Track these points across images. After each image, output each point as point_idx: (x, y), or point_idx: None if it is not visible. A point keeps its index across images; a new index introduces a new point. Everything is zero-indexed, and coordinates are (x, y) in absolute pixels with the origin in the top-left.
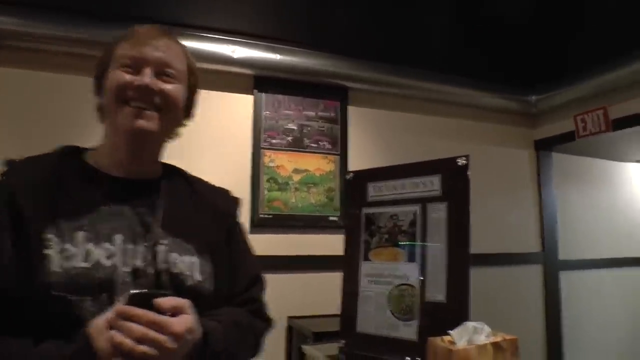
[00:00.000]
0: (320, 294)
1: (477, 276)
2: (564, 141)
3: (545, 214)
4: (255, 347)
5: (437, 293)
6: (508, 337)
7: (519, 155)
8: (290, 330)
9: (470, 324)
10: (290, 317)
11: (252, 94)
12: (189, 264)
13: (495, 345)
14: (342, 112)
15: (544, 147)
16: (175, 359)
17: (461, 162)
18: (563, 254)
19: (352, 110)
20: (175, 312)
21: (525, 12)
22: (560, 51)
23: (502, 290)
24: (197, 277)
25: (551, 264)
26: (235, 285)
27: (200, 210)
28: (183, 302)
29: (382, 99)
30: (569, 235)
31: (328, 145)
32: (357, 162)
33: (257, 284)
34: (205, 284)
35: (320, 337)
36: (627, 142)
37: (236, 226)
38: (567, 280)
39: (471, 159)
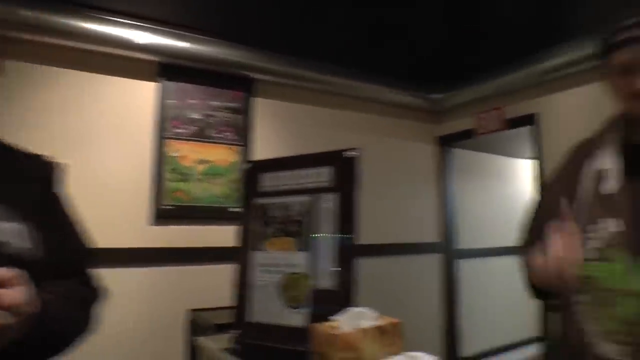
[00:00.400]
0: (224, 285)
1: (381, 265)
2: (464, 138)
3: (445, 206)
4: (88, 320)
5: (326, 281)
6: (392, 320)
7: (423, 150)
8: (192, 323)
9: (355, 309)
10: (193, 310)
11: (156, 81)
12: (11, 231)
13: (380, 328)
14: (248, 103)
15: (446, 143)
16: (10, 334)
17: (350, 154)
18: (460, 244)
19: (258, 102)
20: (5, 284)
21: (432, 14)
22: (464, 53)
23: (404, 277)
24: (21, 244)
25: (449, 252)
26: (61, 255)
27: (17, 176)
28: (13, 272)
29: (289, 92)
30: (466, 226)
31: (233, 136)
32: (262, 153)
33: (83, 254)
34: (31, 252)
35: (221, 329)
36: (520, 140)
37: (55, 193)
38: (464, 267)
39: (377, 153)
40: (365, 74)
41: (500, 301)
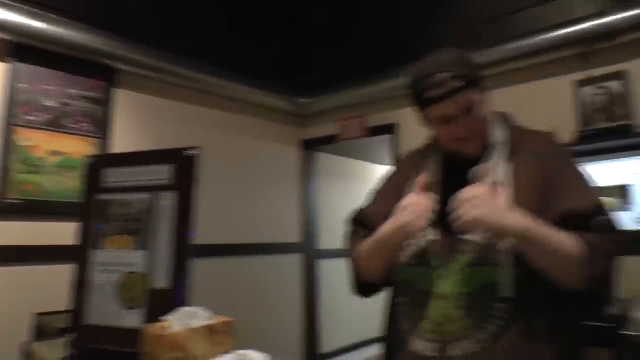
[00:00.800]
0: None
1: (242, 264)
2: (328, 142)
3: (307, 207)
4: None
5: (162, 280)
6: (224, 319)
7: (288, 152)
8: (37, 328)
9: (187, 309)
10: (39, 314)
11: (5, 61)
12: None
13: (210, 327)
14: (108, 93)
15: (310, 146)
16: None
17: (190, 152)
18: (321, 244)
19: (120, 93)
20: None
21: (303, 22)
22: (331, 61)
23: (265, 277)
24: None
25: (310, 252)
26: None
27: None
28: None
29: (154, 85)
30: (327, 227)
31: (90, 127)
32: (121, 147)
33: None
34: None
35: (64, 333)
36: (380, 147)
37: None
38: (324, 267)
39: (242, 153)
40: (234, 74)
41: (357, 299)
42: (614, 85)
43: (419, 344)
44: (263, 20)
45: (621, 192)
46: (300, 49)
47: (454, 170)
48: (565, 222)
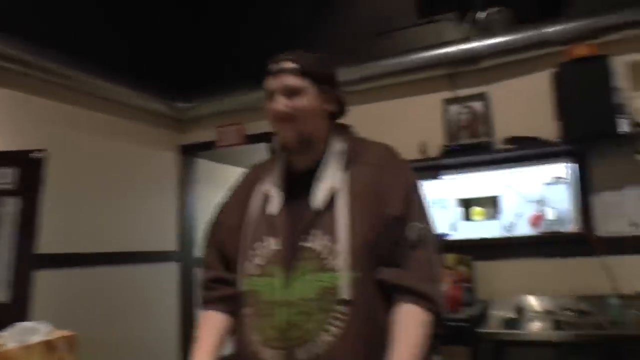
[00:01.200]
0: None
1: (113, 274)
2: (207, 149)
3: (185, 214)
4: None
5: (1, 293)
6: (65, 334)
7: (165, 157)
8: None
9: (26, 324)
10: None
11: None
12: None
13: (48, 343)
14: None
15: (189, 152)
16: None
17: (36, 156)
18: (199, 252)
19: None
20: None
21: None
22: (212, 66)
23: (139, 287)
24: None
25: (188, 261)
26: None
27: None
28: None
29: (14, 79)
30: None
31: None
32: None
33: None
34: None
35: None
36: (259, 154)
37: None
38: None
39: (115, 158)
40: (106, 72)
41: None
42: (477, 105)
43: (267, 353)
44: (143, 20)
45: (492, 202)
46: (181, 51)
47: (295, 180)
48: (389, 226)
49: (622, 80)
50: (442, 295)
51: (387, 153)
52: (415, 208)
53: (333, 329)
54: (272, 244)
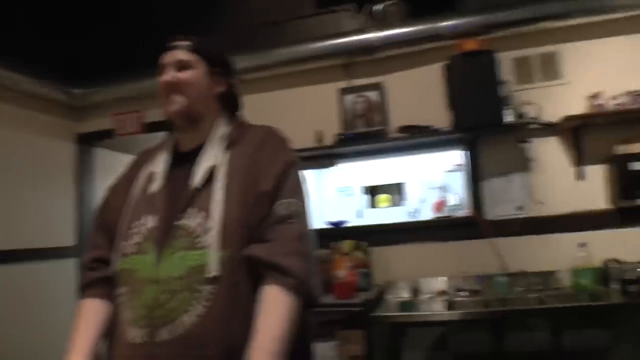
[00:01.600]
0: None
1: (6, 274)
2: (106, 137)
3: (83, 207)
4: None
5: None
6: None
7: (60, 147)
8: None
9: None
10: None
11: None
12: None
13: None
14: None
15: (87, 141)
16: None
17: None
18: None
19: None
20: None
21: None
22: (108, 49)
23: (33, 286)
24: None
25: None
26: None
27: None
28: None
29: None
30: None
31: None
32: None
33: None
34: None
35: None
36: None
37: None
38: None
39: (8, 147)
40: None
41: None
42: (372, 94)
43: (132, 332)
44: (37, 3)
45: (397, 189)
46: (77, 36)
47: (180, 161)
48: (259, 202)
49: (508, 74)
50: (312, 273)
51: (269, 134)
52: (288, 185)
53: (198, 308)
54: (149, 222)
